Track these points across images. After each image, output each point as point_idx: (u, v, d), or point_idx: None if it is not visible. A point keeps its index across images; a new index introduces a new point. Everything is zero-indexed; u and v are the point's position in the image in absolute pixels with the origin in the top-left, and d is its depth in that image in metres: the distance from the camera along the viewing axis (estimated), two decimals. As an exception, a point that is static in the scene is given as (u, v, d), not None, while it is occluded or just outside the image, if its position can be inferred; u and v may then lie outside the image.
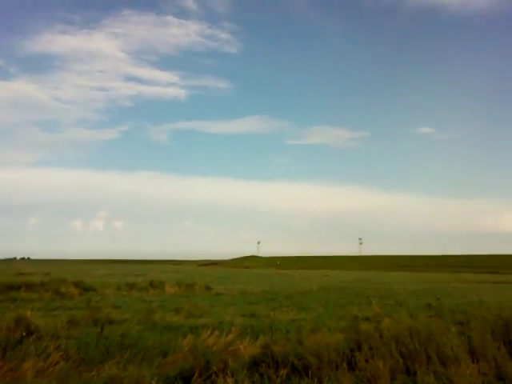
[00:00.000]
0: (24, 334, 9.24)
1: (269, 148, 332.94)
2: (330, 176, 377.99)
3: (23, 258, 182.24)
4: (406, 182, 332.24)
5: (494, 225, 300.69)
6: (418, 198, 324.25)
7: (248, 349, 8.50)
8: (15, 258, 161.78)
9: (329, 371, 7.25)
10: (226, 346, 8.65)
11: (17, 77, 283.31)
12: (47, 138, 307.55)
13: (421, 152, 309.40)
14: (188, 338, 8.97)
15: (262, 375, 7.12)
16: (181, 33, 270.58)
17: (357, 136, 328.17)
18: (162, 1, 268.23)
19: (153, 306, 16.55)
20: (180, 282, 30.57)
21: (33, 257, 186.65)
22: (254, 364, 7.47)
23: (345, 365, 7.41)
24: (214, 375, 6.91)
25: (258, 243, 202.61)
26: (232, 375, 6.88)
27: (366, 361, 7.44)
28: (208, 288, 27.77)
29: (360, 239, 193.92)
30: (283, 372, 7.17)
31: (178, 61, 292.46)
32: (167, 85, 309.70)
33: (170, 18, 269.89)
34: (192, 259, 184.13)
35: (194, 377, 6.91)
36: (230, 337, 9.23)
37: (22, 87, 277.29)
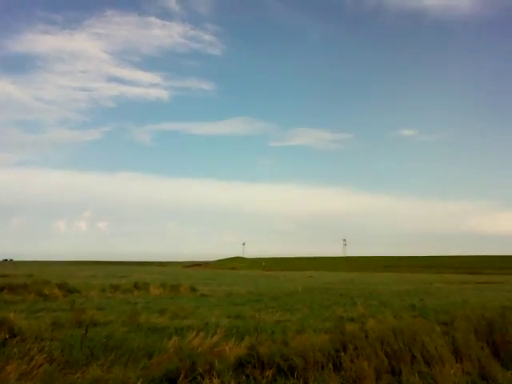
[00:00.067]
0: (7, 336, 9.09)
1: (253, 149, 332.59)
2: (314, 178, 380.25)
3: (6, 260, 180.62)
4: (389, 183, 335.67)
5: (477, 226, 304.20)
6: (401, 200, 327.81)
7: (233, 350, 8.48)
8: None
9: (314, 372, 7.26)
10: (211, 347, 8.62)
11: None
12: (29, 139, 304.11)
13: (403, 154, 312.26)
14: (173, 340, 8.93)
15: (247, 376, 7.11)
16: (164, 34, 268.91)
17: (340, 138, 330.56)
18: (144, 2, 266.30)
19: (137, 308, 16.47)
20: (165, 283, 30.44)
21: (15, 258, 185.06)
22: (240, 365, 7.46)
23: (330, 365, 7.43)
24: (199, 376, 6.90)
25: (243, 244, 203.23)
26: (218, 376, 6.87)
27: (352, 361, 7.46)
28: (193, 289, 27.70)
29: (344, 240, 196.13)
30: (269, 373, 7.17)
31: (161, 62, 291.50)
32: (150, 86, 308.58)
33: (153, 19, 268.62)
34: (177, 261, 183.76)
35: (180, 378, 6.89)
36: (216, 338, 9.21)
37: (3, 87, 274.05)
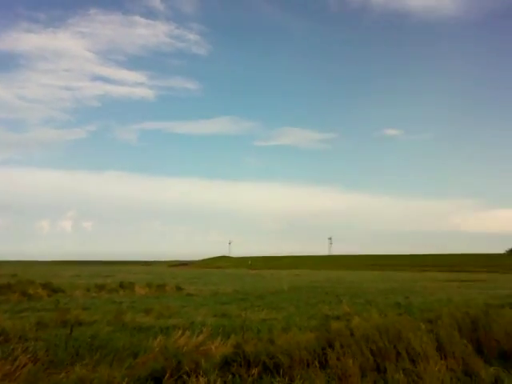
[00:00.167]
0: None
1: (238, 148, 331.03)
2: (299, 177, 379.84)
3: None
4: (374, 182, 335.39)
5: (461, 225, 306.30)
6: (386, 199, 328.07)
7: (219, 348, 8.49)
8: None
9: (300, 370, 7.28)
10: (197, 346, 8.62)
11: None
12: (13, 138, 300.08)
13: (389, 153, 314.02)
14: (159, 339, 8.91)
15: (233, 374, 7.11)
16: (148, 33, 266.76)
17: (326, 137, 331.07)
18: (128, 1, 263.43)
19: (123, 307, 16.38)
20: (150, 282, 30.33)
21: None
22: (226, 363, 7.47)
23: (316, 363, 7.46)
24: (185, 375, 6.88)
25: (229, 243, 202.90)
26: (204, 375, 6.85)
27: (338, 359, 7.49)
28: (179, 288, 27.62)
29: (330, 239, 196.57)
30: (255, 371, 7.18)
31: (146, 61, 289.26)
32: (135, 85, 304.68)
33: (137, 18, 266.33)
34: (162, 260, 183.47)
35: (166, 377, 6.86)
36: (202, 337, 9.21)
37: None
